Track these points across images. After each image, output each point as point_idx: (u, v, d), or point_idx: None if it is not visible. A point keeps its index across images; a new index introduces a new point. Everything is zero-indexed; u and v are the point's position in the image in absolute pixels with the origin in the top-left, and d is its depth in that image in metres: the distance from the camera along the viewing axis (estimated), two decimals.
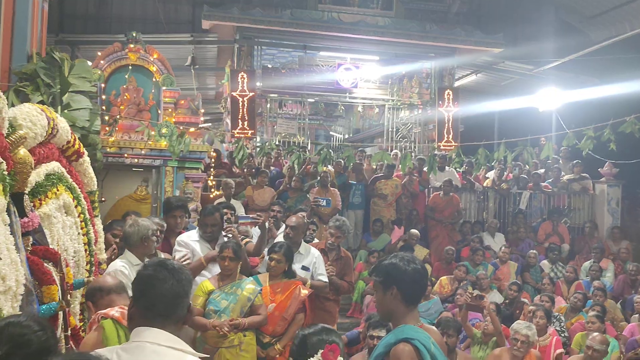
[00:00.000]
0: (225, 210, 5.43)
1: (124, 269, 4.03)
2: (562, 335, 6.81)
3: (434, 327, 3.49)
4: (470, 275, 8.54)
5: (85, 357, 1.48)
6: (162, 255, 4.62)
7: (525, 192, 10.72)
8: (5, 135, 2.81)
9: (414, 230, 9.15)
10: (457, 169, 10.75)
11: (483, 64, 13.20)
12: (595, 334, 5.75)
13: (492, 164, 10.64)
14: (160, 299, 2.05)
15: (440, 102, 12.31)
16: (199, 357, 2.03)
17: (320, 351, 2.11)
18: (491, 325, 5.87)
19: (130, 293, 3.92)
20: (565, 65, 11.95)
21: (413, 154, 12.08)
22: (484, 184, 11.06)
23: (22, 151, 2.97)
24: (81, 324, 4.15)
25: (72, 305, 3.68)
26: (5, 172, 2.65)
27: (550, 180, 11.08)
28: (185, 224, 5.45)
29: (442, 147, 11.99)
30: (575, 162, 10.99)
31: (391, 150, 12.58)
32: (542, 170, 11.28)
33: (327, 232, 5.68)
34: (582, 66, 11.77)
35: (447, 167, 10.53)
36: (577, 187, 10.93)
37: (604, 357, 5.52)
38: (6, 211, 2.67)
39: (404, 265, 2.64)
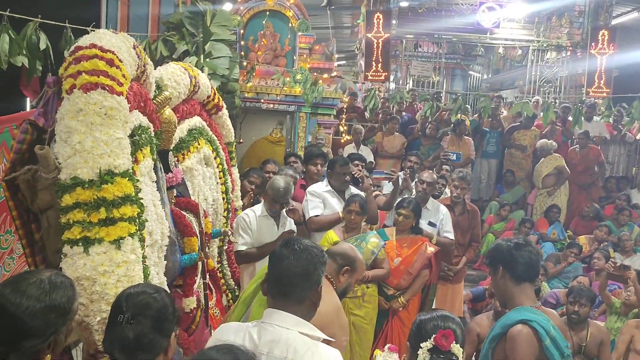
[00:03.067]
0: (356, 162, 5.48)
1: (245, 216, 4.32)
2: None
3: (552, 311, 3.35)
4: (613, 236, 7.98)
5: (229, 348, 1.58)
6: (294, 204, 4.81)
7: None
8: (152, 98, 3.02)
9: None
10: (606, 120, 9.84)
11: None
12: None
13: None
14: (277, 278, 2.05)
15: (593, 43, 11.17)
16: (325, 339, 2.03)
17: (434, 336, 2.10)
18: (634, 296, 5.47)
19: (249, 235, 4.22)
20: None
21: (557, 100, 11.23)
22: (637, 137, 10.06)
23: (168, 111, 3.19)
24: (219, 265, 4.51)
25: (210, 250, 4.00)
26: (152, 134, 2.87)
27: None
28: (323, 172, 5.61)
29: (591, 94, 11.00)
30: None
31: (533, 96, 11.80)
32: None
33: (451, 186, 5.55)
34: None
35: (595, 117, 9.69)
36: None
37: None
38: (153, 168, 2.91)
39: (507, 244, 2.72)
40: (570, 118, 9.50)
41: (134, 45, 2.61)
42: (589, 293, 4.69)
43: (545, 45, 12.35)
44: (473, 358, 3.99)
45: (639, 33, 12.80)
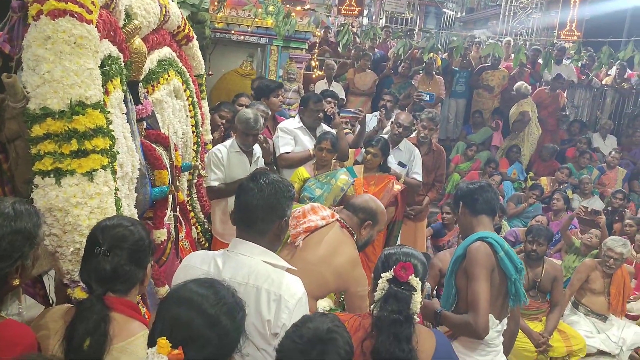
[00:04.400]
0: (329, 99, 5.46)
1: (217, 152, 4.29)
2: None
3: None
4: (573, 178, 8.24)
5: (210, 282, 1.62)
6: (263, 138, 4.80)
7: None
8: (121, 27, 2.92)
9: None
10: (575, 64, 9.94)
11: None
12: None
13: (616, 63, 9.72)
14: (243, 210, 2.10)
15: None
16: (288, 268, 2.11)
17: (394, 267, 2.18)
18: (596, 239, 5.72)
19: (221, 170, 4.23)
20: None
21: (528, 42, 11.24)
22: (603, 82, 10.23)
23: (137, 41, 3.09)
24: (188, 199, 4.52)
25: (180, 184, 4.00)
26: (122, 65, 2.80)
27: None
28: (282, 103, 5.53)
29: (562, 37, 11.05)
30: None
31: (505, 36, 11.79)
32: None
33: (419, 125, 5.59)
34: None
35: (564, 61, 9.78)
36: None
37: None
38: (123, 100, 2.86)
39: (467, 185, 3.16)
40: (540, 60, 9.56)
41: None
42: (547, 232, 4.90)
43: None
44: (435, 292, 4.17)
45: None
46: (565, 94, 9.52)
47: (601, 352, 5.02)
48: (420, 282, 2.18)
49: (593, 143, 9.23)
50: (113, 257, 1.85)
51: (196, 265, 2.10)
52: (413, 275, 2.16)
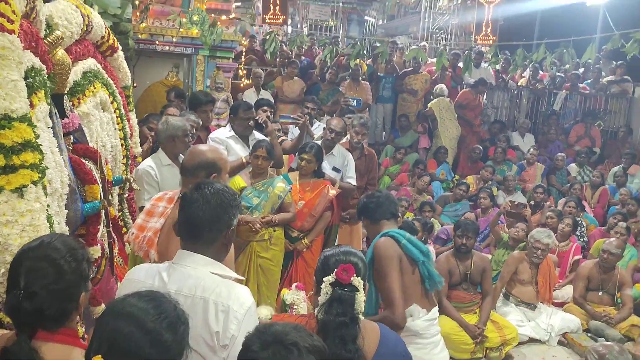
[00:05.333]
0: (265, 107, 5.44)
1: (149, 169, 4.13)
2: (581, 240, 6.95)
3: None
4: (497, 175, 8.60)
5: (151, 295, 1.56)
6: None
7: (561, 92, 10.44)
8: (43, 37, 2.81)
9: None
10: (493, 67, 10.41)
11: None
12: (612, 238, 5.86)
13: (530, 64, 10.27)
14: (188, 221, 2.06)
15: None
16: (236, 278, 2.08)
17: (335, 270, 2.19)
18: (522, 232, 5.99)
19: (155, 188, 4.08)
20: None
21: (447, 47, 11.68)
22: (519, 83, 10.77)
23: (60, 52, 2.97)
24: (120, 213, 4.38)
25: (112, 198, 3.86)
26: (46, 77, 2.69)
27: (589, 81, 10.73)
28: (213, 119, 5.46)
29: (479, 42, 11.56)
30: (618, 63, 10.55)
31: (426, 41, 12.21)
32: (581, 70, 10.89)
33: (352, 131, 5.68)
34: None
35: (482, 64, 10.22)
36: (617, 90, 10.58)
37: (619, 260, 5.67)
38: (48, 114, 2.74)
39: (362, 199, 3.52)
40: (460, 64, 9.94)
41: None
42: (474, 226, 5.12)
43: None
44: None
45: None
46: (484, 96, 9.93)
47: (532, 340, 5.26)
48: (362, 282, 2.21)
49: (512, 141, 9.68)
50: (35, 298, 1.67)
51: (140, 279, 2.04)
52: (355, 275, 2.18)
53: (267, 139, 4.84)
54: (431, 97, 9.51)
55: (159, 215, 2.86)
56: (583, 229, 7.17)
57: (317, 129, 6.27)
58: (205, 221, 2.04)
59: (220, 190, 2.09)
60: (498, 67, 10.44)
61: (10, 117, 1.94)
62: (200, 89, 7.26)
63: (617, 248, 5.58)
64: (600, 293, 5.67)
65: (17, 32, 2.09)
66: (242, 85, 8.70)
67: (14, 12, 2.14)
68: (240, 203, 2.21)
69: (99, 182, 3.16)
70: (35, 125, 2.13)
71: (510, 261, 5.53)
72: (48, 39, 2.88)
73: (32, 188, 2.01)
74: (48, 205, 2.23)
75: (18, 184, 1.94)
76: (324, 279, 2.20)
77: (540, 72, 10.81)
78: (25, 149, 1.98)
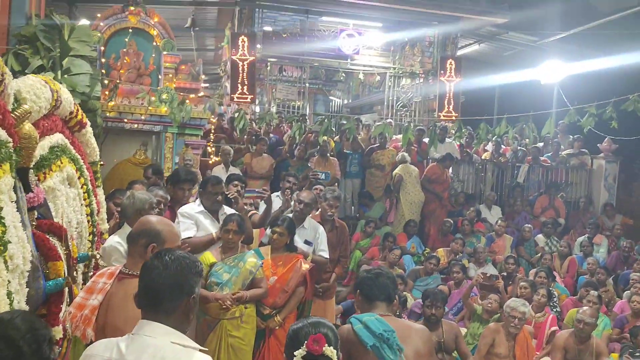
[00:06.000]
0: (236, 182, 5.41)
1: (118, 245, 3.92)
2: (554, 310, 6.93)
3: (402, 320, 3.79)
4: (467, 247, 8.63)
5: None
6: None
7: (524, 165, 10.74)
8: (10, 110, 2.76)
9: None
10: (457, 141, 10.70)
11: (486, 34, 12.99)
12: (585, 308, 5.84)
13: (493, 139, 10.60)
14: (147, 289, 2.02)
15: (442, 71, 12.16)
16: (200, 349, 1.99)
17: (305, 342, 2.11)
18: (495, 303, 5.94)
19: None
20: (570, 38, 11.76)
21: (412, 124, 12.02)
22: (482, 157, 11.06)
23: (28, 126, 2.93)
24: None
25: (76, 276, 3.70)
26: (12, 150, 2.62)
27: (549, 154, 11.09)
28: (190, 196, 5.41)
29: (442, 118, 11.93)
30: (575, 137, 10.99)
31: (391, 118, 12.54)
32: (541, 144, 11.28)
33: (326, 204, 5.67)
34: (587, 39, 11.60)
35: (447, 139, 10.49)
36: (576, 162, 10.96)
37: (594, 330, 5.63)
38: (12, 188, 2.65)
39: (363, 273, 3.34)
40: (425, 140, 10.18)
41: None
42: (442, 295, 5.09)
43: (400, 72, 13.21)
44: None
45: (479, 63, 14.15)
46: (450, 170, 10.12)
47: None
48: (334, 351, 2.14)
49: (481, 213, 9.80)
50: None
51: (99, 353, 1.97)
52: (326, 345, 2.11)
53: (237, 213, 4.78)
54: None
55: (97, 292, 2.73)
56: (555, 299, 7.17)
57: (275, 201, 6.22)
58: (165, 288, 2.01)
59: (180, 257, 2.08)
60: (462, 141, 10.73)
61: None
62: (169, 166, 7.24)
63: (591, 317, 5.55)
64: None
65: None
66: (211, 162, 8.70)
67: None
68: (202, 270, 2.17)
69: (63, 259, 3.03)
70: (3, 192, 2.04)
71: (487, 333, 5.44)
72: (16, 112, 2.84)
73: None
74: (8, 282, 2.11)
75: None
76: (295, 352, 2.12)
77: (502, 146, 11.14)
78: None
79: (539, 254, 8.68)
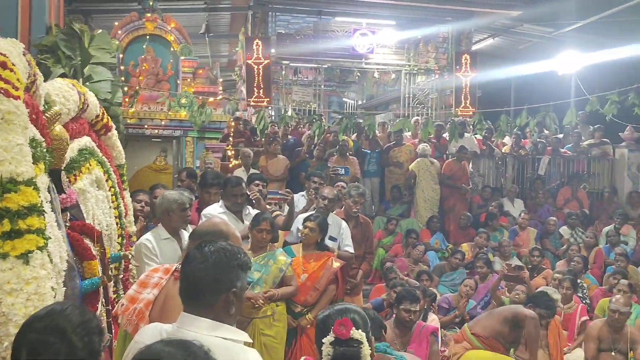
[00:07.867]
0: (257, 182, 5.42)
1: (147, 242, 3.99)
2: (584, 302, 6.83)
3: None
4: (491, 242, 8.55)
5: (181, 343, 1.44)
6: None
7: (544, 157, 10.61)
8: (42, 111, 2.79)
9: None
10: (479, 135, 10.62)
11: (501, 27, 12.90)
12: (618, 296, 5.74)
13: (514, 130, 10.51)
14: (187, 281, 1.95)
15: (457, 67, 12.08)
16: (245, 343, 1.94)
17: (332, 328, 2.07)
18: (523, 294, 5.87)
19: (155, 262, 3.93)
20: (586, 27, 11.64)
21: (430, 120, 11.96)
22: (503, 150, 10.96)
23: (58, 127, 2.96)
24: (114, 295, 4.21)
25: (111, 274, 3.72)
26: (45, 149, 2.64)
27: (569, 145, 10.96)
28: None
29: (459, 113, 11.85)
30: (596, 126, 10.85)
31: (408, 117, 12.48)
32: (562, 135, 11.16)
33: (350, 201, 5.66)
34: (603, 28, 11.46)
35: (465, 134, 10.42)
36: (597, 152, 10.81)
37: (627, 318, 5.54)
38: (47, 188, 2.67)
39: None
40: (444, 135, 10.12)
41: (23, 52, 2.40)
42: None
43: (415, 69, 13.15)
44: None
45: (494, 58, 14.06)
46: (470, 165, 10.04)
47: None
48: (363, 334, 2.09)
49: (504, 207, 9.70)
50: None
51: (145, 341, 1.86)
52: (354, 328, 2.07)
53: (269, 213, 4.78)
54: None
55: (152, 286, 2.69)
56: (585, 290, 7.07)
57: (299, 202, 6.22)
58: (203, 281, 1.91)
59: (220, 249, 1.96)
60: (479, 135, 10.65)
61: (16, 181, 1.88)
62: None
63: (625, 306, 5.46)
64: (612, 353, 5.48)
65: (22, 98, 2.07)
66: (231, 165, 8.72)
67: (18, 80, 2.12)
68: (246, 263, 2.03)
69: (97, 258, 3.05)
70: (40, 190, 2.06)
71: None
72: (47, 114, 2.87)
73: (38, 254, 1.92)
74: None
75: (24, 249, 1.85)
76: (323, 340, 2.09)
77: (522, 139, 11.04)
78: (31, 213, 1.90)
79: (565, 246, 8.56)
